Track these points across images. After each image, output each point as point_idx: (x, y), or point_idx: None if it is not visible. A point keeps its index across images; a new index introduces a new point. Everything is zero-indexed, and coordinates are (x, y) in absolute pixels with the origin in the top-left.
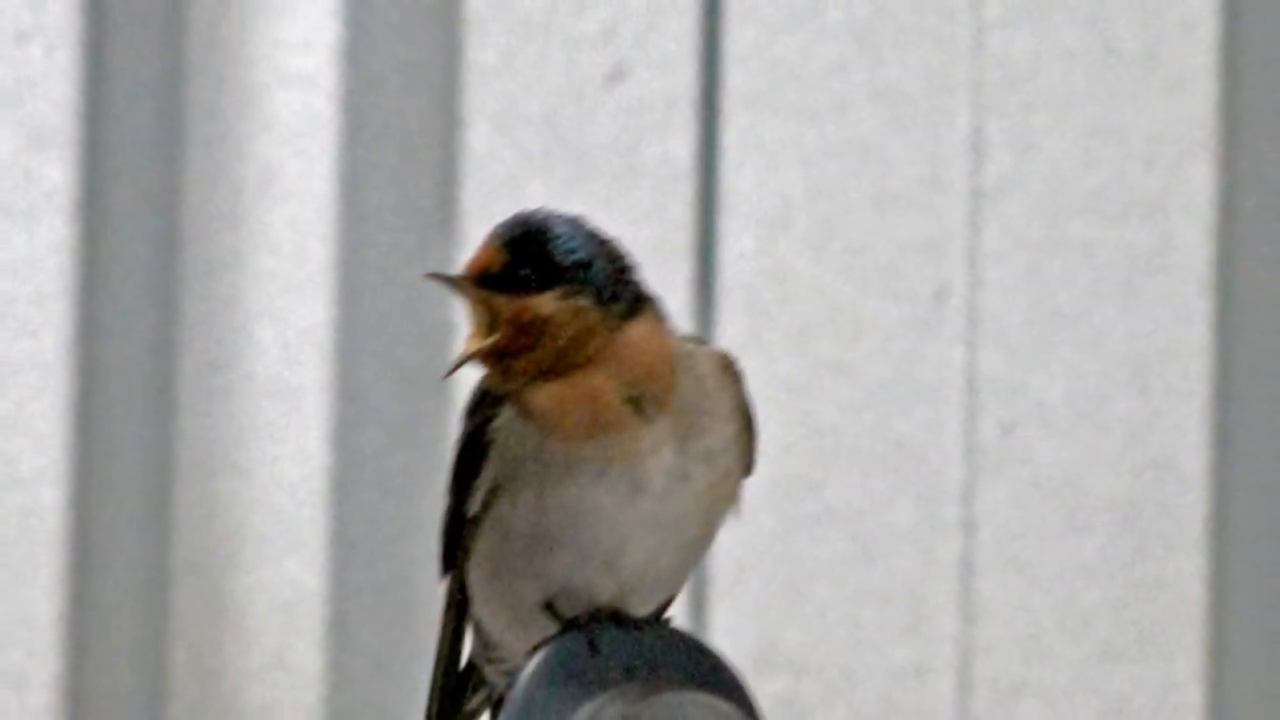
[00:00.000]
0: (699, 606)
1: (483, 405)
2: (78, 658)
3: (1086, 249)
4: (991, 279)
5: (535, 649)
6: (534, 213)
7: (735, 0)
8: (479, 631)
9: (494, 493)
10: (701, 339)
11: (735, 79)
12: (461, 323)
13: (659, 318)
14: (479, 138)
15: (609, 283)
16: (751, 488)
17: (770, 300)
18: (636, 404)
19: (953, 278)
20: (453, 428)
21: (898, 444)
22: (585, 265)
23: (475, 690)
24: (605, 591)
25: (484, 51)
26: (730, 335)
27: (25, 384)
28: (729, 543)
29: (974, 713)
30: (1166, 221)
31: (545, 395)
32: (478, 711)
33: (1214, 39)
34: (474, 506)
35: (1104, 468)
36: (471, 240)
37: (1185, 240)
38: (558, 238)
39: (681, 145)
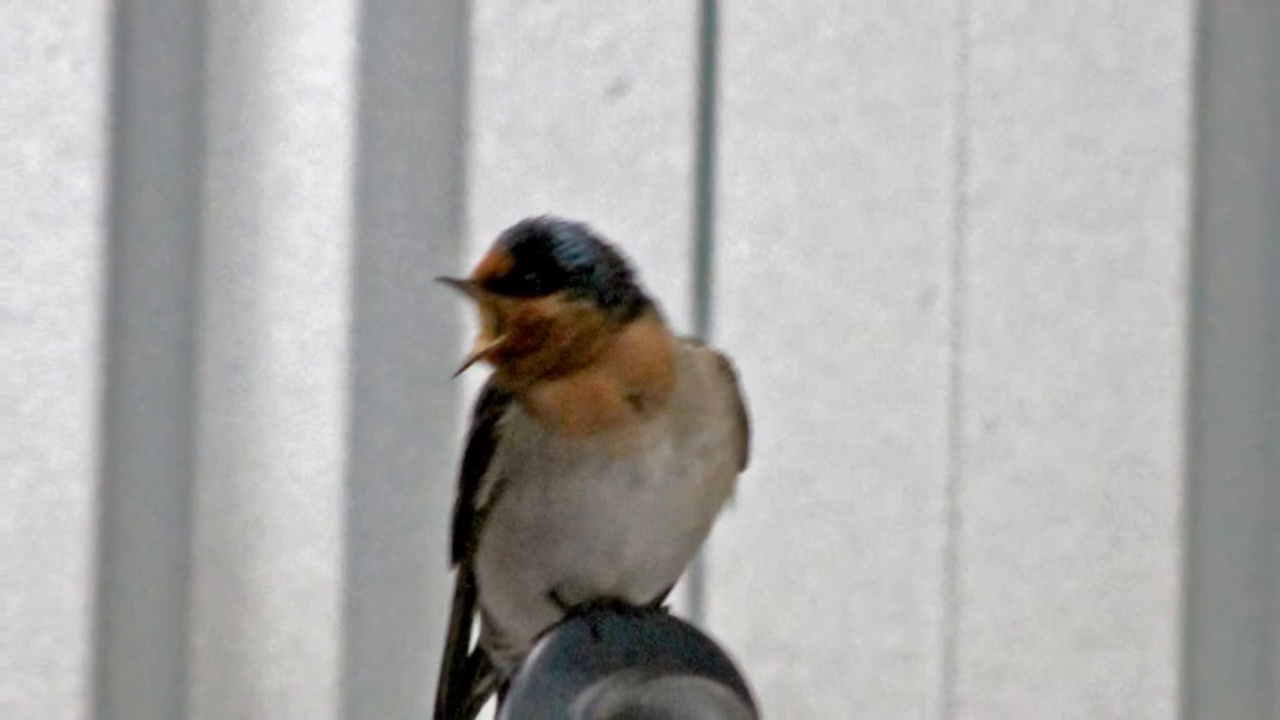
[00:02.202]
0: (696, 595)
1: (490, 403)
2: (104, 644)
3: (1065, 254)
4: (975, 283)
5: (540, 635)
6: (539, 219)
7: (731, 17)
8: (486, 619)
9: (501, 486)
10: (699, 340)
11: (731, 92)
12: (470, 324)
13: (658, 319)
14: (486, 148)
15: (610, 286)
16: (746, 481)
17: (764, 303)
18: (637, 402)
19: (938, 282)
20: (461, 424)
21: (885, 440)
22: (588, 269)
23: (483, 674)
24: (607, 581)
25: (491, 66)
26: (726, 336)
27: (54, 383)
28: (725, 534)
29: (958, 696)
30: (1141, 228)
31: (550, 393)
32: (485, 695)
33: (1187, 55)
34: (482, 499)
35: (1082, 462)
36: (479, 246)
37: (1159, 246)
38: (561, 243)
39: (679, 155)
